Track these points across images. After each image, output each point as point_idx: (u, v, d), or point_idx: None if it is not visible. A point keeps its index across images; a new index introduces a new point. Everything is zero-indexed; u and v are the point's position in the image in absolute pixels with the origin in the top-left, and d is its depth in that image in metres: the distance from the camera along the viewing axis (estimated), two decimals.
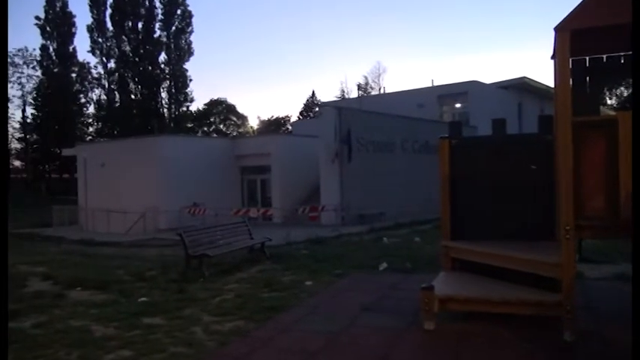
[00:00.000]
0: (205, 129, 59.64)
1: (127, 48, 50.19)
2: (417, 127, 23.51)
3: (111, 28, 49.87)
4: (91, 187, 25.60)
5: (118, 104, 50.87)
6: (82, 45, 65.83)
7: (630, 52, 4.60)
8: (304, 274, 8.03)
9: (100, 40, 49.89)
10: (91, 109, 53.34)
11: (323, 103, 43.79)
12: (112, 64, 50.84)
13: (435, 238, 9.35)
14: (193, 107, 58.01)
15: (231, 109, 62.44)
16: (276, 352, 4.47)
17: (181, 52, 52.14)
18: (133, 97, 51.00)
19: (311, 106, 61.10)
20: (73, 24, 50.06)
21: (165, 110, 53.13)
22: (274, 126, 61.13)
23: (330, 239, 13.61)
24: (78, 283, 7.82)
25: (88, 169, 25.79)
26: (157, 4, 50.94)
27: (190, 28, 52.33)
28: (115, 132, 47.78)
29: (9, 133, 46.91)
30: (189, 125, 56.28)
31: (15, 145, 50.63)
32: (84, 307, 6.36)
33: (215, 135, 56.41)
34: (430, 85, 33.54)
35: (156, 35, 51.13)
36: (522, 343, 4.38)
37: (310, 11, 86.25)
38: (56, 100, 46.72)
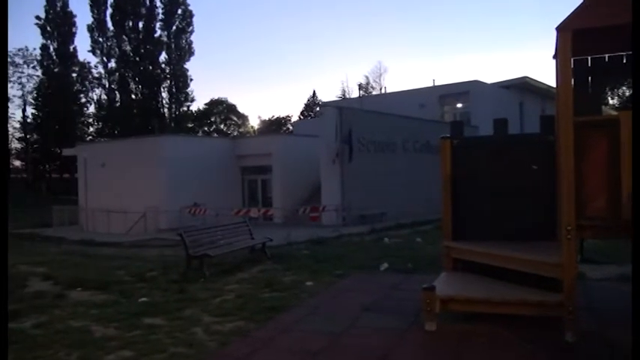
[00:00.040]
0: (206, 129, 59.66)
1: (128, 48, 50.18)
2: (418, 127, 23.50)
3: (111, 27, 49.91)
4: (91, 187, 25.61)
5: (118, 104, 50.86)
6: (82, 45, 65.77)
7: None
8: (305, 275, 8.02)
9: (100, 39, 49.89)
10: (92, 109, 53.42)
11: (324, 103, 43.80)
12: (112, 64, 50.90)
13: (437, 238, 9.34)
14: (194, 107, 58.14)
15: (231, 108, 62.45)
16: (277, 353, 4.47)
17: (182, 51, 52.13)
18: (133, 96, 50.99)
19: (312, 105, 61.12)
20: (74, 23, 50.06)
21: (165, 110, 53.13)
22: (275, 126, 61.13)
23: (331, 239, 13.60)
24: (78, 283, 7.80)
25: (89, 169, 25.80)
26: (158, 3, 51.03)
27: (191, 27, 52.38)
28: (116, 132, 47.78)
29: (9, 132, 46.94)
30: (190, 125, 56.29)
31: (15, 144, 50.69)
32: (84, 308, 6.35)
33: (216, 135, 56.43)
34: (431, 85, 33.51)
35: (156, 35, 51.13)
36: (523, 343, 4.37)
37: (311, 11, 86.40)
38: (56, 100, 46.71)
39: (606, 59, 5.07)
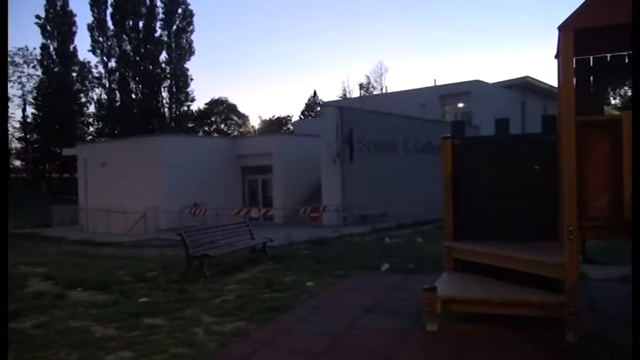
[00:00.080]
0: (206, 129, 59.65)
1: (128, 47, 50.19)
2: (419, 127, 23.48)
3: (111, 27, 49.94)
4: (91, 187, 25.60)
5: (118, 104, 50.87)
6: (82, 44, 66.18)
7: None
8: (306, 275, 8.00)
9: (100, 39, 49.92)
10: (92, 109, 53.44)
11: (325, 102, 43.78)
12: (112, 64, 50.93)
13: (438, 238, 9.32)
14: (194, 107, 58.16)
15: (232, 108, 62.44)
16: (278, 353, 4.46)
17: (182, 51, 52.15)
18: (133, 96, 51.01)
19: (312, 105, 61.09)
20: (74, 23, 50.05)
21: (166, 110, 53.16)
22: (275, 126, 61.12)
23: (332, 240, 13.59)
24: (78, 283, 7.79)
25: (89, 169, 25.79)
26: (158, 3, 51.07)
27: (191, 27, 52.43)
28: (116, 132, 47.78)
29: (9, 132, 46.91)
30: (190, 125, 56.30)
31: (15, 144, 50.64)
32: (84, 308, 6.34)
33: (216, 135, 56.43)
34: (432, 85, 33.42)
35: (157, 34, 51.17)
36: (525, 344, 4.36)
37: (312, 10, 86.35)
38: (57, 100, 46.70)
39: (608, 59, 5.06)
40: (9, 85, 44.91)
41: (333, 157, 19.69)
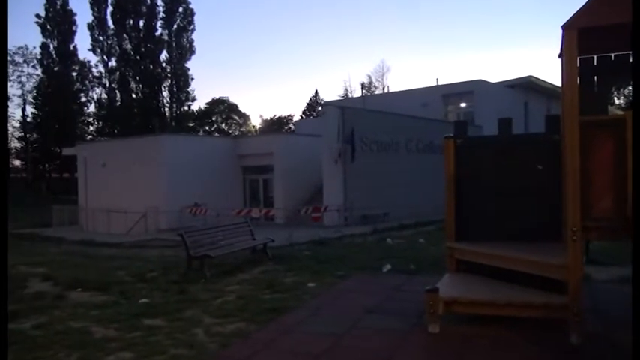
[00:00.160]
0: (207, 128, 59.68)
1: (128, 46, 50.18)
2: (421, 126, 23.43)
3: (112, 26, 49.91)
4: (91, 186, 25.58)
5: (118, 103, 50.88)
6: (82, 43, 65.74)
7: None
8: (307, 276, 7.98)
9: (100, 38, 49.89)
10: (92, 108, 53.42)
11: (326, 102, 43.69)
12: (112, 63, 50.90)
13: (440, 239, 9.29)
14: (195, 106, 58.22)
15: (233, 108, 62.47)
16: (278, 354, 4.44)
17: (183, 50, 52.14)
18: (134, 95, 51.02)
19: (314, 105, 61.06)
20: (74, 22, 50.01)
21: (166, 109, 53.17)
22: (277, 125, 61.15)
23: (333, 240, 13.57)
24: (78, 284, 7.76)
25: (89, 169, 25.77)
26: (159, 2, 51.02)
27: (192, 26, 52.40)
28: (116, 131, 47.79)
29: (9, 132, 46.90)
30: (191, 124, 56.31)
31: (15, 144, 50.57)
32: (84, 308, 6.31)
33: (217, 134, 56.46)
34: (435, 84, 33.25)
35: (157, 33, 51.17)
36: (528, 345, 4.33)
37: (313, 9, 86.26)
38: (56, 99, 46.70)
39: (612, 58, 5.03)
40: (9, 84, 44.97)
41: (335, 157, 19.64)
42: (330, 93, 77.65)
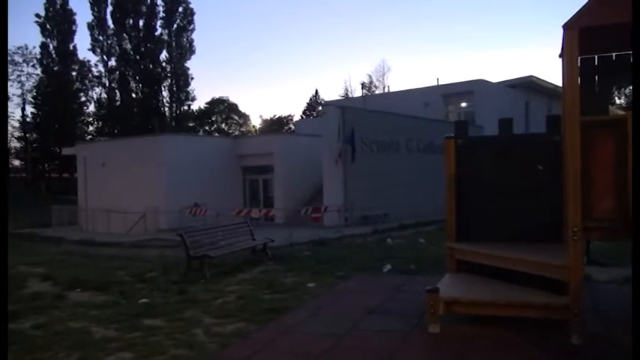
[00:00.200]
0: (207, 128, 59.63)
1: (128, 46, 50.09)
2: (422, 126, 23.41)
3: (112, 25, 49.77)
4: (91, 186, 25.55)
5: (118, 103, 50.79)
6: (82, 43, 65.18)
7: None
8: (307, 276, 7.97)
9: (100, 37, 49.76)
10: (92, 108, 53.26)
11: (326, 102, 43.68)
12: (112, 63, 50.75)
13: (440, 239, 9.29)
14: (195, 106, 58.10)
15: (233, 108, 62.42)
16: (278, 355, 4.43)
17: (183, 50, 52.06)
18: (133, 95, 50.93)
19: (314, 105, 60.99)
20: (74, 22, 49.86)
21: (166, 109, 53.09)
22: (277, 125, 61.10)
23: (333, 240, 13.55)
24: (78, 284, 7.76)
25: (88, 169, 25.74)
26: (159, 1, 50.83)
27: (192, 25, 52.26)
28: (116, 131, 47.71)
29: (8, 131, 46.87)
30: (191, 124, 56.27)
31: (14, 144, 50.40)
32: (84, 309, 6.31)
33: (217, 134, 56.42)
34: (435, 84, 33.19)
35: (157, 33, 51.04)
36: (528, 346, 4.31)
37: (313, 8, 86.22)
38: (56, 99, 46.61)
39: (613, 58, 5.02)
40: (8, 84, 44.90)
41: (335, 157, 19.62)
42: (331, 93, 77.61)
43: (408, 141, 22.65)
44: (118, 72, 50.50)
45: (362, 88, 52.10)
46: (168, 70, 52.30)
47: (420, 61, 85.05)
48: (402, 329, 4.92)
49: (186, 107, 55.11)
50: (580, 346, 4.20)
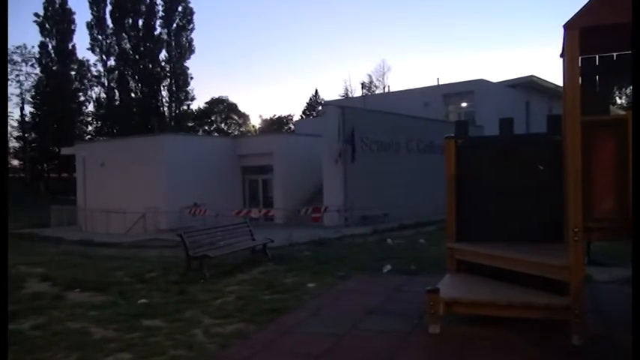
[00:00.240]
0: (206, 128, 59.62)
1: (127, 45, 50.06)
2: (422, 126, 23.41)
3: (111, 25, 49.75)
4: (90, 186, 25.52)
5: (117, 102, 50.77)
6: (81, 42, 65.87)
7: None
8: (307, 276, 7.96)
9: (99, 37, 49.76)
10: (91, 108, 53.24)
11: (326, 102, 43.65)
12: (111, 62, 50.75)
13: (440, 239, 9.28)
14: (194, 106, 58.08)
15: (232, 107, 62.40)
16: (278, 355, 4.42)
17: (182, 49, 52.04)
18: (133, 95, 50.91)
19: (314, 105, 60.97)
20: (73, 21, 49.86)
21: (165, 109, 53.05)
22: (276, 125, 61.08)
23: (333, 240, 13.55)
24: (77, 284, 7.75)
25: (87, 169, 25.71)
26: (158, 1, 50.80)
27: (191, 25, 52.25)
28: (115, 131, 47.66)
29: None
30: (190, 124, 56.25)
31: (13, 143, 50.26)
32: (83, 309, 6.29)
33: (216, 134, 56.40)
34: (436, 84, 33.17)
35: (156, 32, 51.02)
36: (529, 346, 4.31)
37: (313, 8, 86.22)
38: (55, 99, 46.56)
39: (614, 58, 5.01)
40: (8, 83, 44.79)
41: (335, 157, 19.61)
42: (330, 93, 77.51)
43: (408, 141, 22.64)
44: (117, 71, 50.46)
45: (362, 88, 52.06)
46: (168, 69, 52.28)
47: (420, 61, 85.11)
48: (402, 329, 4.91)
49: (185, 107, 55.13)
50: (581, 346, 4.19)
